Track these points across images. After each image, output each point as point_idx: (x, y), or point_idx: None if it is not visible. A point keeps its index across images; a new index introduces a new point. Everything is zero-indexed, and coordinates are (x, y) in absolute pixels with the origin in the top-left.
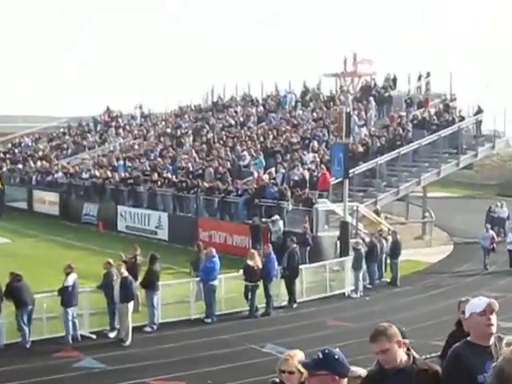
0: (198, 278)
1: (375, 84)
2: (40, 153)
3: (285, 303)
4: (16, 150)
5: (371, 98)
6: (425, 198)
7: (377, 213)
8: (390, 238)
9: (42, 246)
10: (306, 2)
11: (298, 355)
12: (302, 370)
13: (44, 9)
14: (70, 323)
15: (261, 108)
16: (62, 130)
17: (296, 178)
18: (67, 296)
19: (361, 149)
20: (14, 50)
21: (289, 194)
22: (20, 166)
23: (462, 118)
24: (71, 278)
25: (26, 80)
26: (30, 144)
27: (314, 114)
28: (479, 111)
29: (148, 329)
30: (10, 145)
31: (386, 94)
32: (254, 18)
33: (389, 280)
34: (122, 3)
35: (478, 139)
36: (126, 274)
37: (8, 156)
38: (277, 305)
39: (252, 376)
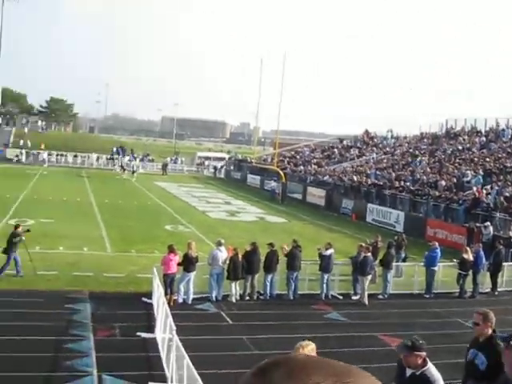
0: (421, 264)
1: None
2: (314, 160)
3: (488, 290)
4: (297, 157)
5: None
6: None
7: None
8: None
9: (310, 227)
10: None
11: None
12: None
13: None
14: (325, 285)
15: (483, 138)
16: (331, 144)
17: (507, 194)
18: (325, 264)
19: None
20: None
21: (499, 206)
22: (299, 168)
23: None
24: (329, 251)
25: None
26: (307, 153)
27: None
28: None
29: (381, 296)
30: (293, 152)
31: None
32: None
33: None
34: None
35: None
36: (368, 254)
37: (291, 160)
38: (481, 291)
39: (450, 343)
